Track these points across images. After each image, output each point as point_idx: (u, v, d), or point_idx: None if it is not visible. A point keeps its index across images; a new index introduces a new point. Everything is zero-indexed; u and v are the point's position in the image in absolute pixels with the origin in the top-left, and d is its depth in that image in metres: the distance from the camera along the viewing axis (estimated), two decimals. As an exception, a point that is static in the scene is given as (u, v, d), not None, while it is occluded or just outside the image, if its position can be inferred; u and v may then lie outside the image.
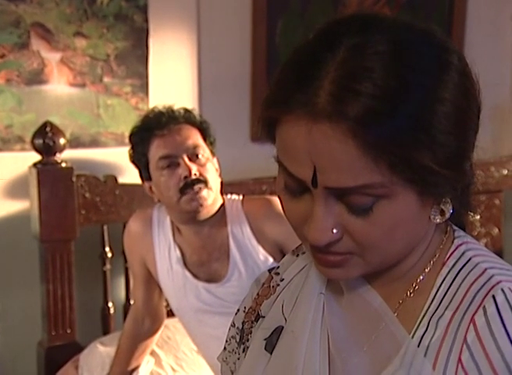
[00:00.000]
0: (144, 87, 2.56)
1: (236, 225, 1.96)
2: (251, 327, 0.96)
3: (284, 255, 1.02)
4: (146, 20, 2.54)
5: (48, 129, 2.25)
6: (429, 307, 0.80)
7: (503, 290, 0.76)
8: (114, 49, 2.51)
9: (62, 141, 2.27)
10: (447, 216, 0.80)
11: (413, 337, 0.79)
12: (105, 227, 2.45)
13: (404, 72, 0.72)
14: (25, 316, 2.48)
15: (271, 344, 0.90)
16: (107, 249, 2.46)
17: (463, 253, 0.82)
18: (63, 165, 2.30)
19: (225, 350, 1.01)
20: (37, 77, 2.43)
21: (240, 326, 0.98)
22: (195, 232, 1.97)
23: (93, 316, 2.50)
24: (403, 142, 0.71)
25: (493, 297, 0.76)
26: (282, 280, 0.96)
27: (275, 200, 1.98)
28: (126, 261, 2.38)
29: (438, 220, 0.80)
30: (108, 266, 2.47)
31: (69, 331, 2.34)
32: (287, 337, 0.89)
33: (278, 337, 0.90)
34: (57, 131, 2.27)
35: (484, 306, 0.75)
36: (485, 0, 3.14)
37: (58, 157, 2.28)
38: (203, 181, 1.87)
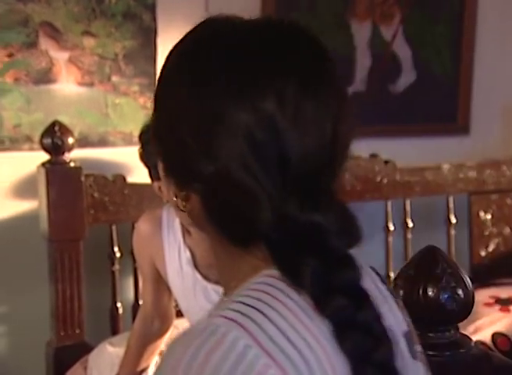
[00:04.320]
0: (152, 87, 2.55)
1: None
2: None
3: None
4: (154, 19, 2.54)
5: (56, 128, 2.24)
6: None
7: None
8: (122, 48, 2.51)
9: (70, 140, 2.26)
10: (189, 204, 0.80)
11: None
12: (114, 227, 2.44)
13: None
14: (33, 316, 2.47)
15: None
16: (116, 249, 2.45)
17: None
18: (72, 164, 2.29)
19: None
20: (46, 76, 2.42)
21: None
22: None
23: (101, 316, 2.49)
24: None
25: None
26: None
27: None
28: (134, 261, 2.36)
29: (181, 207, 0.81)
30: (116, 266, 2.46)
31: (77, 331, 2.33)
32: None
33: None
34: (65, 131, 2.26)
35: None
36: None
37: (67, 156, 2.28)
38: None
